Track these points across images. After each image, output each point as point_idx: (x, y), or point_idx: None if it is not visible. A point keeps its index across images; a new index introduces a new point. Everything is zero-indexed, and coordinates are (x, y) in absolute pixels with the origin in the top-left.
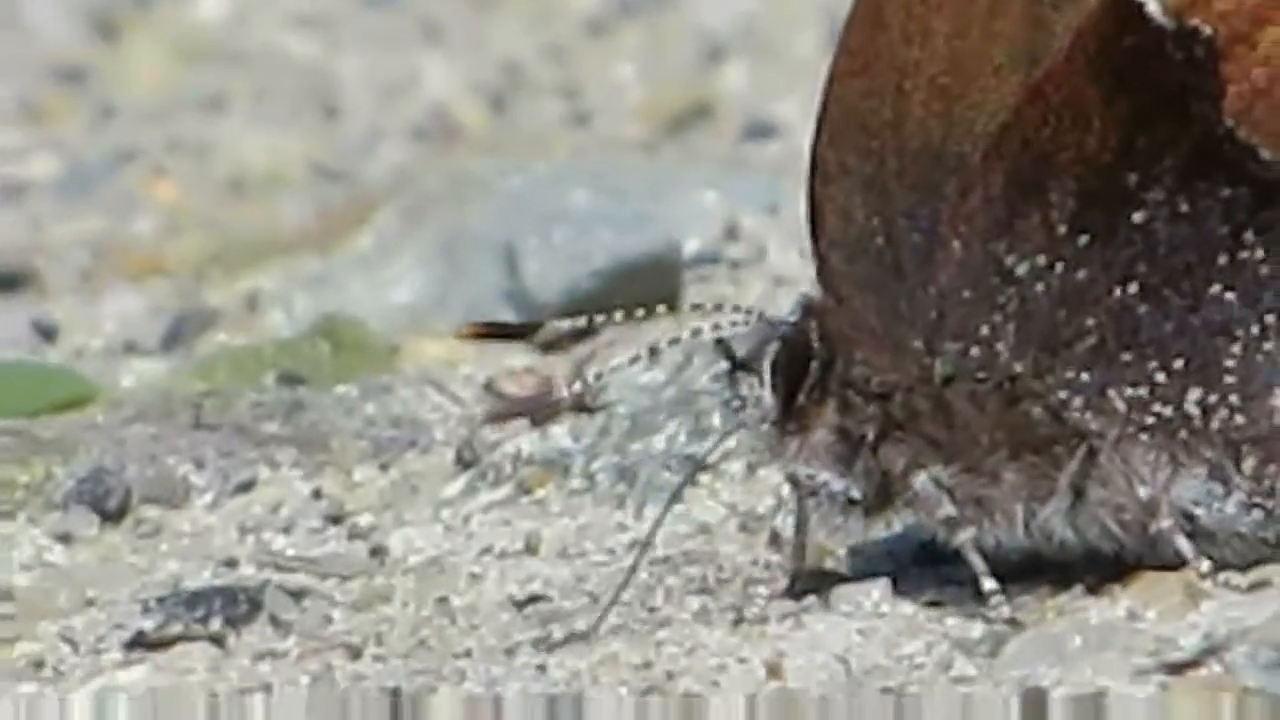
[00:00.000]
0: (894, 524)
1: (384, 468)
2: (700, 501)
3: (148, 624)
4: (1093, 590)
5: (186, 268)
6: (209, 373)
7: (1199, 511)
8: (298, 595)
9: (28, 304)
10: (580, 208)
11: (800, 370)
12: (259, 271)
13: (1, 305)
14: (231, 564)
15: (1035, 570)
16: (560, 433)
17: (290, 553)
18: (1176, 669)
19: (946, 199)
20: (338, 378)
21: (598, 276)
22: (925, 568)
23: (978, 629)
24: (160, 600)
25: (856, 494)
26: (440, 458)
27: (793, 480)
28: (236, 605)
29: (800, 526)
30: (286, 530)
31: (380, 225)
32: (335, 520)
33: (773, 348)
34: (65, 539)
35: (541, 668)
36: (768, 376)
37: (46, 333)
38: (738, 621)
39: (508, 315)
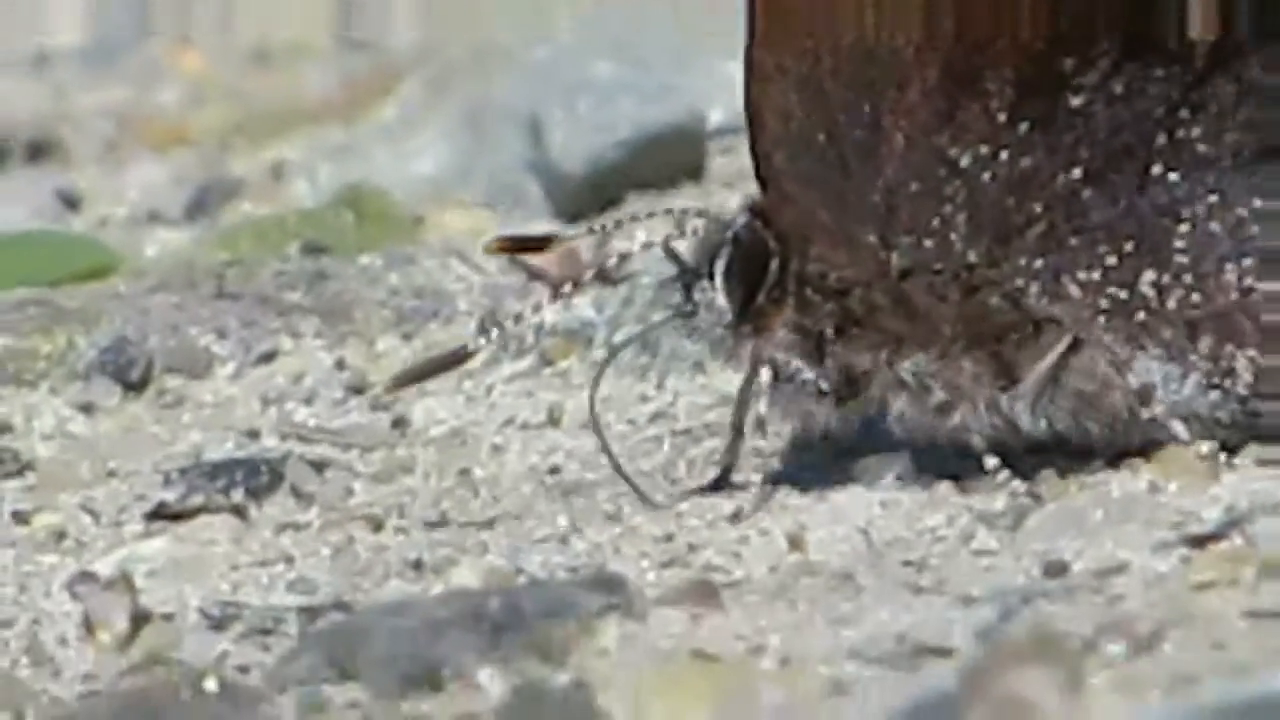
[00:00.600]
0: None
1: (407, 338)
2: (719, 372)
3: (169, 495)
4: (1114, 464)
5: (211, 137)
6: (232, 242)
7: (1158, 394)
8: (319, 466)
9: (52, 173)
10: (604, 78)
11: (754, 271)
12: (283, 141)
13: (26, 174)
14: (253, 435)
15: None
16: (583, 304)
17: (312, 424)
18: (1198, 541)
19: (885, 93)
20: (361, 248)
21: (622, 147)
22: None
23: (1000, 502)
24: (182, 471)
25: (825, 385)
26: (463, 328)
27: (768, 364)
28: (258, 476)
29: (740, 419)
30: (309, 401)
31: (405, 96)
32: (358, 391)
33: (725, 250)
34: (87, 409)
35: (564, 540)
36: (721, 279)
37: (70, 202)
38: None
39: (532, 186)
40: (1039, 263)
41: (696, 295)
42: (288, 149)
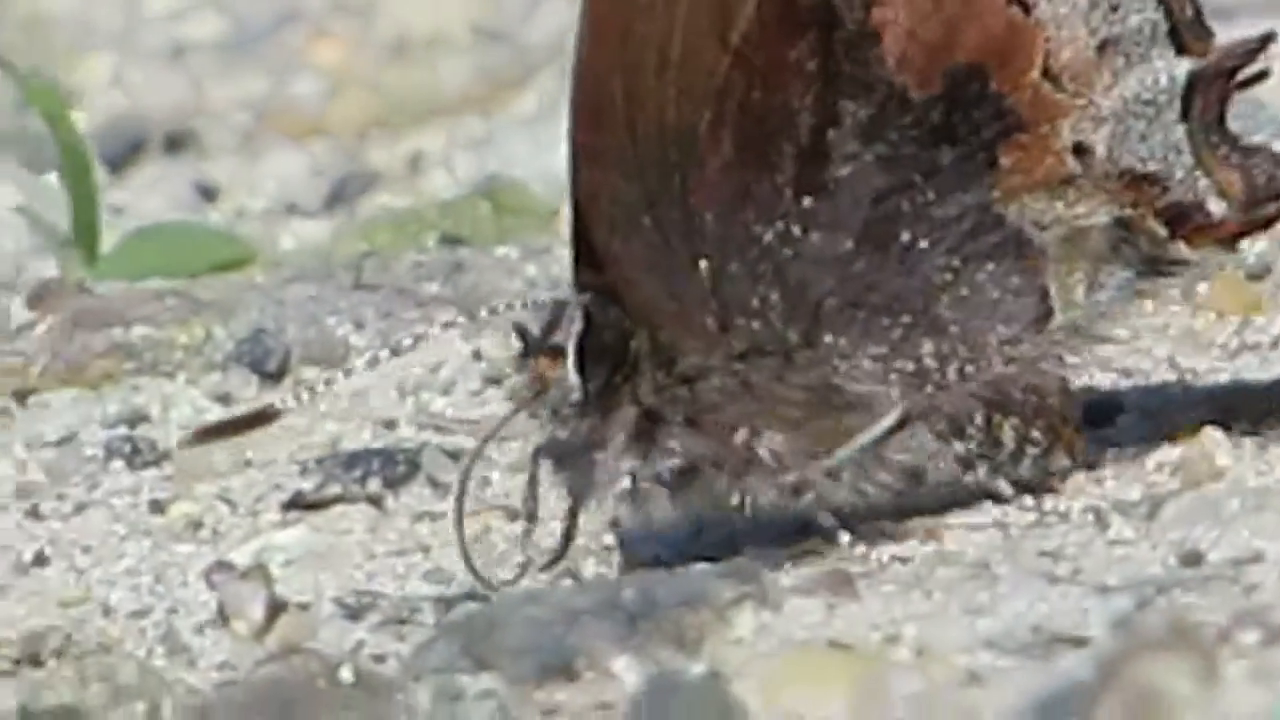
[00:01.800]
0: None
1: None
2: None
3: (306, 485)
4: (1248, 455)
5: (348, 129)
6: (370, 234)
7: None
8: (456, 456)
9: (189, 165)
10: None
11: (609, 350)
12: (421, 133)
13: (163, 167)
14: (390, 425)
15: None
16: None
17: (449, 414)
18: None
19: (690, 172)
20: (498, 239)
21: None
22: (1086, 430)
23: (1136, 491)
24: (319, 461)
25: (665, 473)
26: None
27: (626, 473)
28: (395, 466)
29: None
30: (446, 391)
31: (542, 87)
32: (495, 381)
33: (575, 328)
34: (224, 400)
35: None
36: (572, 357)
37: (207, 194)
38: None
39: None
40: (841, 340)
41: (545, 373)
42: (426, 140)
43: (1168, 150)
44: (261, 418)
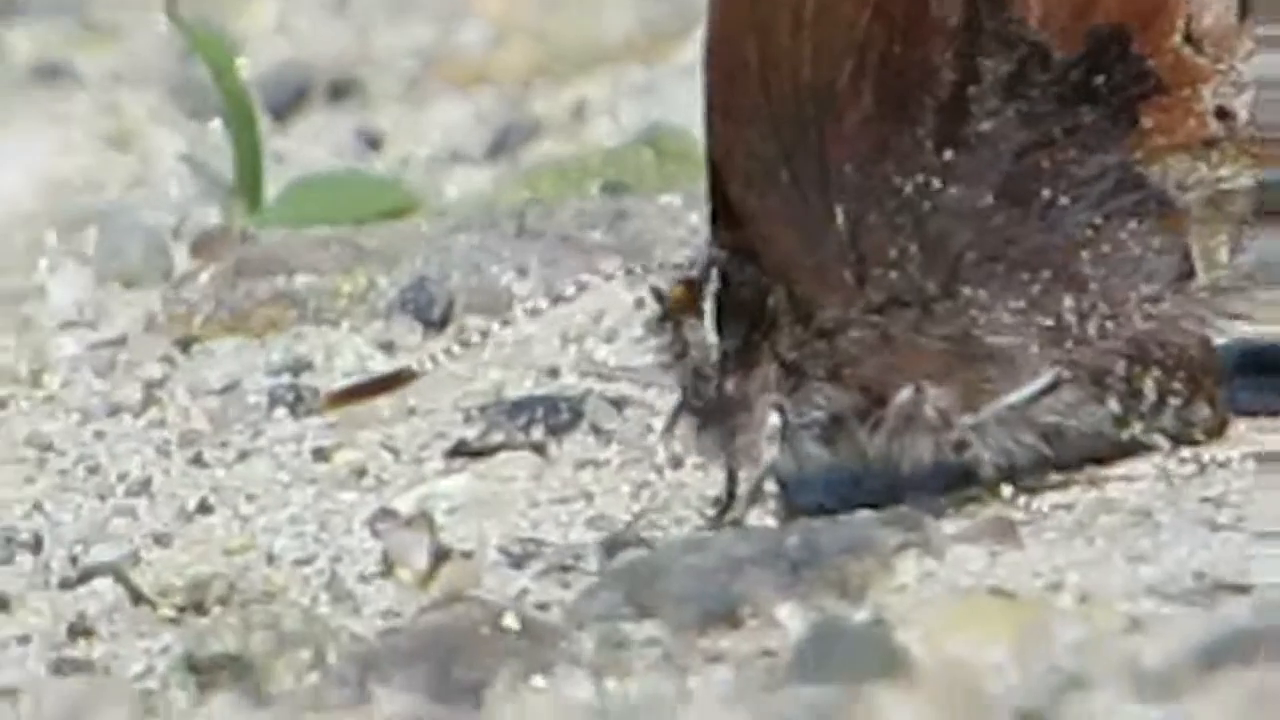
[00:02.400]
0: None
1: None
2: None
3: (470, 433)
4: None
5: (513, 77)
6: (533, 182)
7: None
8: (619, 404)
9: (354, 113)
10: None
11: (747, 309)
12: (585, 81)
13: (328, 115)
14: (553, 373)
15: None
16: None
17: (612, 362)
18: None
19: (827, 126)
20: (661, 187)
21: None
22: (1249, 378)
23: None
24: (482, 409)
25: (811, 423)
26: None
27: (775, 408)
28: (558, 414)
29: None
30: (609, 339)
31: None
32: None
33: (712, 289)
34: (388, 348)
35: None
36: (712, 317)
37: (372, 142)
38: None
39: None
40: (981, 292)
41: (686, 334)
42: (589, 89)
43: None
44: (398, 380)
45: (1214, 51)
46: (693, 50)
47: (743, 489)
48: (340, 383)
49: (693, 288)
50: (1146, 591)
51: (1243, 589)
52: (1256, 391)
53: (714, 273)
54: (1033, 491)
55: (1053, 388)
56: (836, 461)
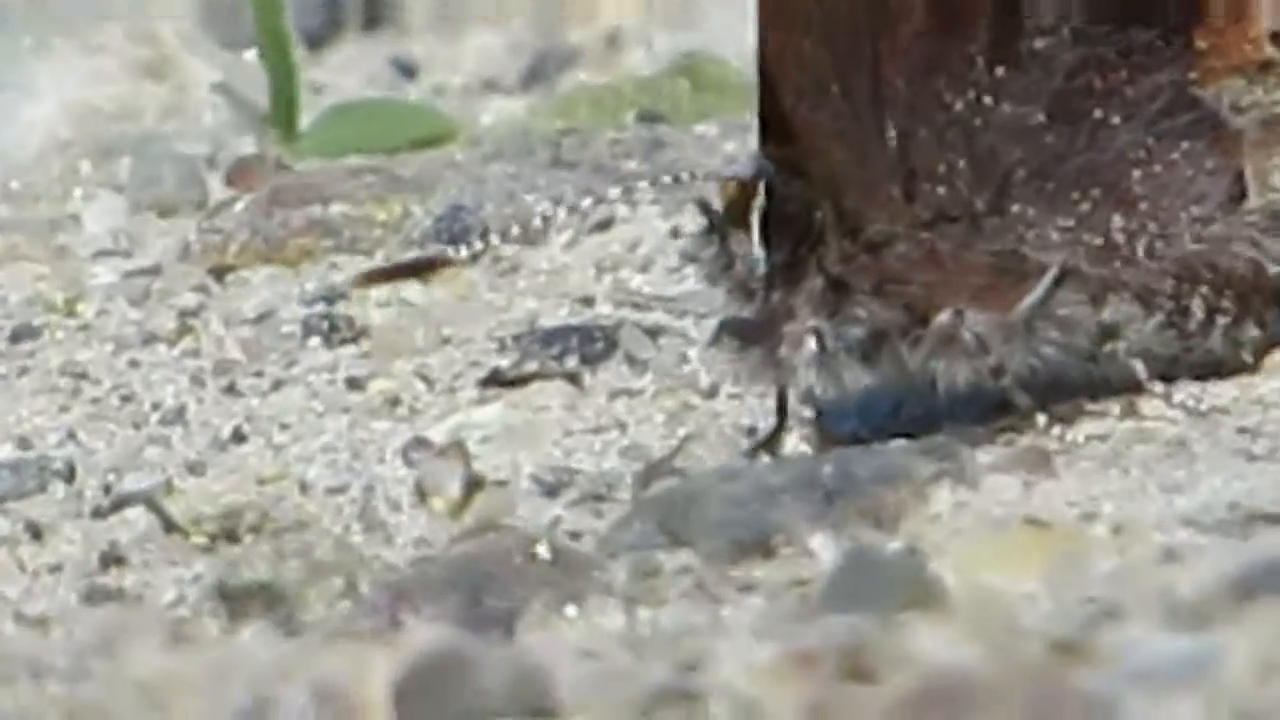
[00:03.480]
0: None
1: None
2: None
3: (503, 362)
4: None
5: (548, 6)
6: (568, 111)
7: (1126, 333)
8: (654, 334)
9: (388, 42)
10: None
11: (793, 224)
12: (619, 10)
13: (362, 43)
14: (588, 302)
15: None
16: None
17: (647, 291)
18: None
19: (880, 38)
20: (697, 116)
21: None
22: None
23: None
24: (516, 338)
25: (852, 342)
26: None
27: (811, 333)
28: (593, 343)
29: (791, 378)
30: (644, 269)
31: None
32: (693, 259)
33: (758, 202)
34: (423, 276)
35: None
36: (759, 231)
37: (407, 70)
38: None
39: None
40: (1030, 209)
41: (733, 247)
42: (624, 17)
43: None
44: (432, 265)
45: None
46: None
47: (783, 411)
48: (370, 264)
49: (746, 188)
50: (1181, 522)
51: (1278, 519)
52: None
53: (761, 186)
54: (1068, 421)
55: (1060, 281)
56: (875, 384)
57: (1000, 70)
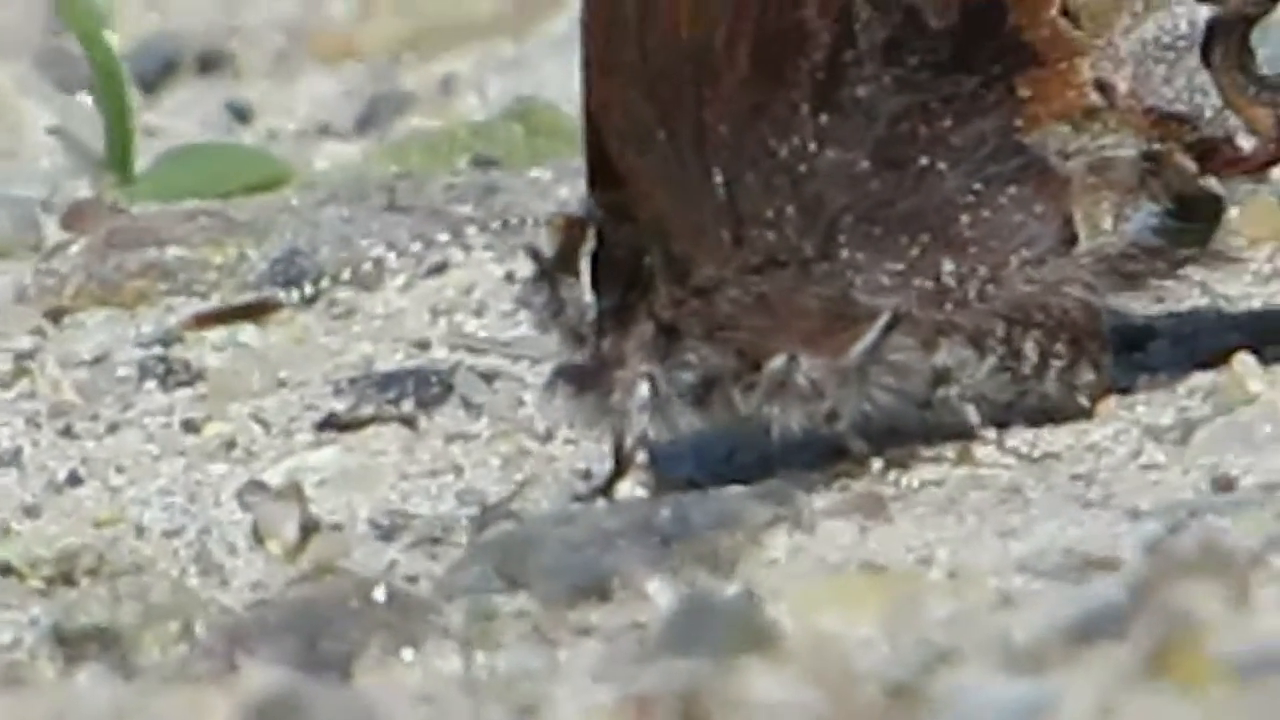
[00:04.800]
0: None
1: None
2: None
3: (339, 405)
4: None
5: (381, 50)
6: (402, 155)
7: (959, 378)
8: (489, 378)
9: (223, 86)
10: None
11: (623, 268)
12: (453, 55)
13: (197, 87)
14: (423, 346)
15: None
16: None
17: (482, 335)
18: None
19: (704, 86)
20: (531, 161)
21: None
22: (1118, 355)
23: (1168, 416)
24: (352, 382)
25: (684, 388)
26: None
27: (645, 377)
28: (428, 387)
29: (625, 424)
30: (479, 313)
31: (573, 8)
32: (526, 304)
33: (588, 248)
34: (258, 320)
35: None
36: (589, 276)
37: (241, 114)
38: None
39: None
40: (859, 254)
41: (563, 293)
42: (458, 62)
43: (1193, 92)
44: (265, 308)
45: (1091, 26)
46: (562, 24)
47: (619, 457)
48: (202, 307)
49: (575, 233)
50: (1016, 567)
51: (1112, 565)
52: (1124, 367)
53: (591, 231)
54: (903, 466)
55: (891, 327)
56: (709, 429)
57: (825, 117)
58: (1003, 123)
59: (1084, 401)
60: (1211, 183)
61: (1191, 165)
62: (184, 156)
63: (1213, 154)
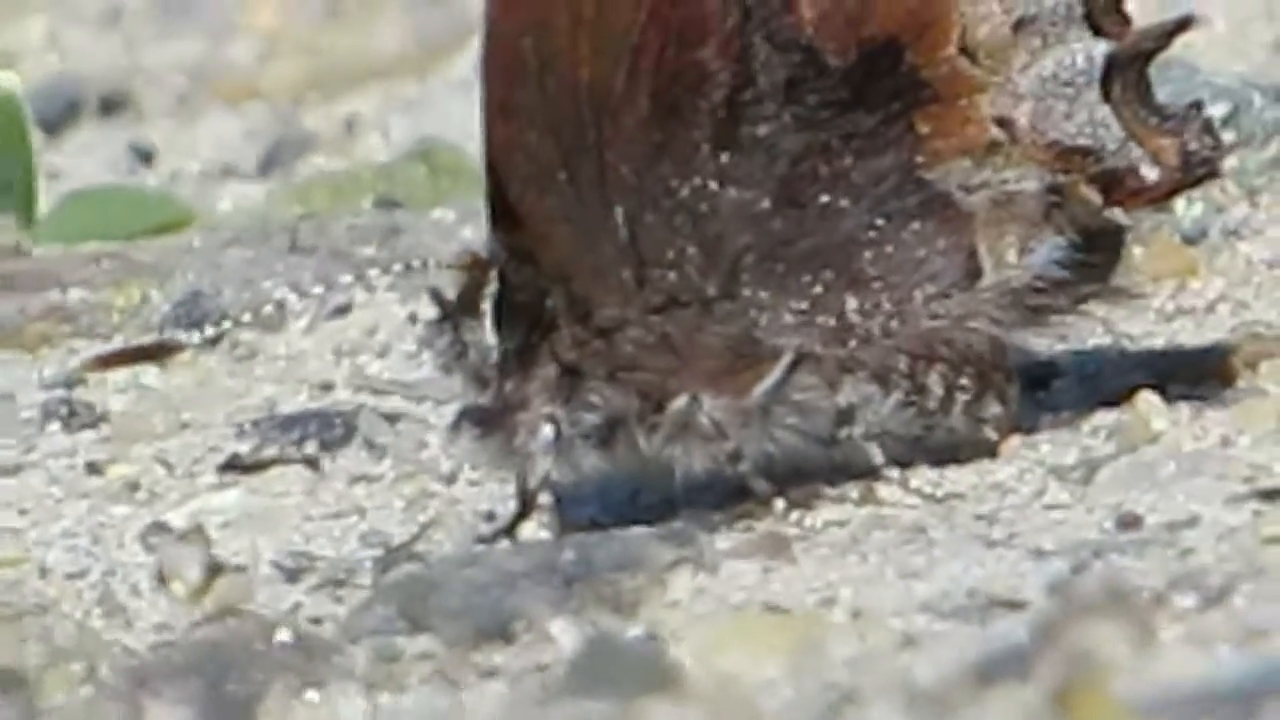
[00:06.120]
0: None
1: None
2: None
3: (243, 447)
4: (1184, 419)
5: (284, 92)
6: (306, 197)
7: (864, 415)
8: (393, 419)
9: (125, 127)
10: None
11: (525, 310)
12: (356, 96)
13: (99, 129)
14: (327, 388)
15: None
16: None
17: (386, 377)
18: (1270, 495)
19: (604, 127)
20: (434, 202)
21: None
22: (1022, 394)
23: (1072, 455)
24: (255, 423)
25: (588, 429)
26: None
27: (548, 420)
28: (331, 429)
29: (528, 466)
30: (382, 354)
31: (477, 50)
32: (429, 345)
33: (490, 289)
34: (161, 362)
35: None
36: (491, 319)
37: (143, 156)
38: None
39: None
40: (761, 293)
41: (466, 335)
42: (361, 103)
43: (1095, 126)
44: (163, 350)
45: (989, 63)
46: (465, 65)
47: (523, 498)
48: (104, 348)
49: (476, 275)
50: (920, 608)
51: (1016, 605)
52: (1027, 406)
53: (492, 274)
54: (806, 507)
55: (794, 367)
56: (612, 470)
57: (725, 156)
58: (904, 159)
59: (991, 435)
60: (1116, 214)
61: (1096, 197)
62: (87, 199)
63: (1117, 185)
